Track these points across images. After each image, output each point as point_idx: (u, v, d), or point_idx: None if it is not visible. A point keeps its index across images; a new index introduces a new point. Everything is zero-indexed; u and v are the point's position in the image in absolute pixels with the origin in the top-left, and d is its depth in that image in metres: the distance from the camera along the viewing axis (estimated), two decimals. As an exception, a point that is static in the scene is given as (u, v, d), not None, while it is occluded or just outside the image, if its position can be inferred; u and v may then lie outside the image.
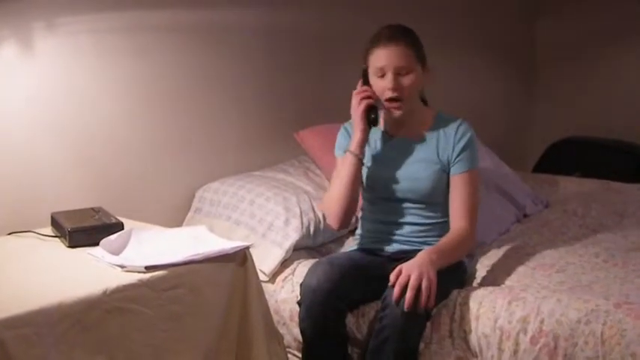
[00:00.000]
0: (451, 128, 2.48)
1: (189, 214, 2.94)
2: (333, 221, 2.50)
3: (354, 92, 2.44)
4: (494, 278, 2.48)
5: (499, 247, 2.74)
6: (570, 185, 3.60)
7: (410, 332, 2.19)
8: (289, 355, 2.48)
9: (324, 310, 2.24)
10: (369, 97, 2.42)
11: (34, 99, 2.47)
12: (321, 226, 2.76)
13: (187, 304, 2.00)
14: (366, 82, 2.45)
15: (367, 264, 2.43)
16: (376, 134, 2.54)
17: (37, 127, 2.48)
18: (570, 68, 4.57)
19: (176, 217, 2.90)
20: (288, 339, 2.51)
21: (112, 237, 2.15)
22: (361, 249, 2.56)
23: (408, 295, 2.11)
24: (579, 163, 4.11)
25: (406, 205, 2.49)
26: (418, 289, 2.13)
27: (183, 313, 2.00)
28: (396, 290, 2.13)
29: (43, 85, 2.49)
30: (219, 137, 3.06)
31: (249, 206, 2.80)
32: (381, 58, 2.39)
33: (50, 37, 2.47)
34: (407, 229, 2.49)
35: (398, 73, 2.38)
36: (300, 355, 2.48)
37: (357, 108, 2.42)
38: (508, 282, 2.44)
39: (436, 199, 2.48)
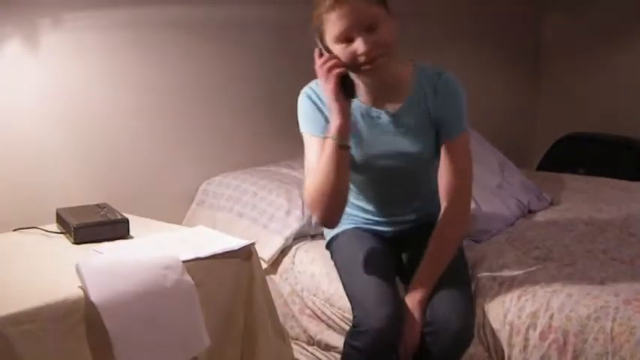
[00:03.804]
0: (436, 82, 2.17)
1: (192, 206, 2.94)
2: (324, 220, 2.17)
3: (317, 66, 2.05)
4: (501, 273, 2.42)
5: (506, 238, 2.73)
6: (575, 182, 3.60)
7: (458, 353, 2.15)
8: (298, 348, 2.50)
9: (386, 353, 2.09)
10: (337, 67, 2.02)
11: (39, 95, 2.47)
12: None
13: (193, 299, 1.99)
14: (327, 50, 2.08)
15: (384, 254, 2.28)
16: (355, 107, 2.16)
17: (42, 123, 2.48)
18: (575, 64, 4.56)
19: (182, 212, 2.92)
20: (297, 331, 2.51)
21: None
22: (361, 228, 2.37)
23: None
24: (584, 160, 4.11)
25: (402, 181, 2.27)
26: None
27: (188, 309, 1.98)
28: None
29: (48, 82, 2.49)
30: (225, 134, 3.06)
31: (251, 198, 2.81)
32: (341, 21, 1.98)
33: (55, 33, 2.47)
34: (405, 206, 2.35)
35: (367, 31, 2.00)
36: (309, 347, 2.50)
37: (326, 84, 2.01)
38: (515, 277, 2.39)
39: (429, 167, 2.27)
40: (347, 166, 2.08)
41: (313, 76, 3.26)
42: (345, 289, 2.26)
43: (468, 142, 2.19)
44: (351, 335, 2.09)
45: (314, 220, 2.24)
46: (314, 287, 2.50)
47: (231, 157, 3.07)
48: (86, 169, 2.60)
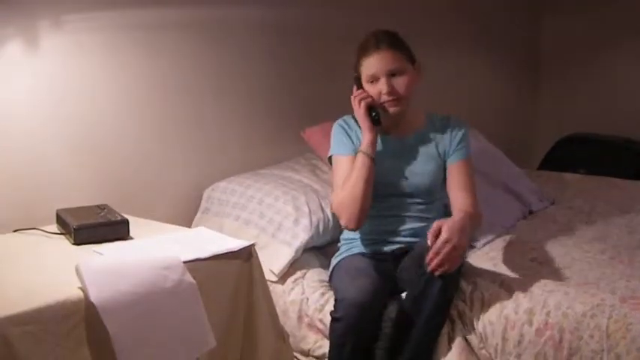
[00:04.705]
0: (445, 123, 2.59)
1: (198, 214, 2.93)
2: (351, 223, 2.45)
3: (352, 97, 2.52)
4: (500, 272, 2.47)
5: (505, 241, 2.75)
6: (576, 182, 3.61)
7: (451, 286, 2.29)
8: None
9: (366, 327, 2.28)
10: (366, 98, 2.49)
11: (39, 97, 2.48)
12: (330, 224, 2.75)
13: (193, 300, 2.00)
14: (360, 87, 2.53)
15: (379, 269, 2.43)
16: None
17: (43, 125, 2.48)
18: (575, 65, 4.57)
19: (182, 213, 2.91)
20: (292, 341, 2.49)
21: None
22: (361, 253, 2.55)
23: (437, 263, 2.18)
24: (584, 160, 4.11)
25: (406, 201, 2.53)
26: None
27: (188, 310, 1.99)
28: (434, 263, 2.19)
29: (48, 83, 2.49)
30: (226, 135, 3.06)
31: (258, 205, 2.79)
32: (373, 65, 2.47)
33: (56, 35, 2.47)
34: (406, 225, 2.53)
35: (391, 76, 2.46)
36: (304, 358, 2.50)
37: (358, 110, 2.50)
38: (513, 276, 2.43)
39: (434, 194, 2.55)
40: (372, 175, 2.46)
41: (314, 77, 3.31)
42: (334, 289, 2.47)
43: (471, 167, 2.56)
44: (333, 309, 2.32)
45: (342, 222, 2.49)
46: (319, 301, 2.50)
47: (232, 158, 3.07)
48: (86, 170, 2.61)
